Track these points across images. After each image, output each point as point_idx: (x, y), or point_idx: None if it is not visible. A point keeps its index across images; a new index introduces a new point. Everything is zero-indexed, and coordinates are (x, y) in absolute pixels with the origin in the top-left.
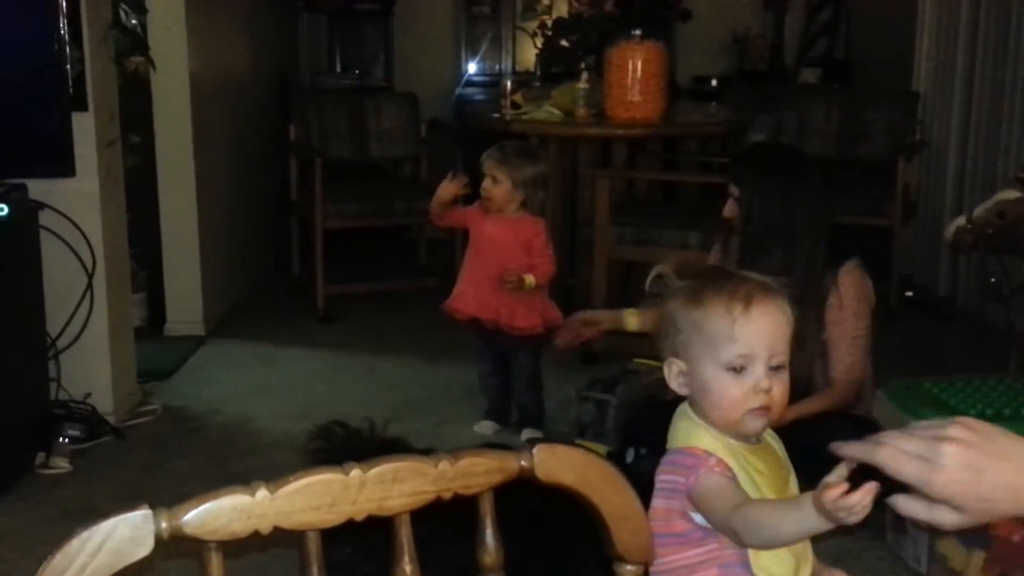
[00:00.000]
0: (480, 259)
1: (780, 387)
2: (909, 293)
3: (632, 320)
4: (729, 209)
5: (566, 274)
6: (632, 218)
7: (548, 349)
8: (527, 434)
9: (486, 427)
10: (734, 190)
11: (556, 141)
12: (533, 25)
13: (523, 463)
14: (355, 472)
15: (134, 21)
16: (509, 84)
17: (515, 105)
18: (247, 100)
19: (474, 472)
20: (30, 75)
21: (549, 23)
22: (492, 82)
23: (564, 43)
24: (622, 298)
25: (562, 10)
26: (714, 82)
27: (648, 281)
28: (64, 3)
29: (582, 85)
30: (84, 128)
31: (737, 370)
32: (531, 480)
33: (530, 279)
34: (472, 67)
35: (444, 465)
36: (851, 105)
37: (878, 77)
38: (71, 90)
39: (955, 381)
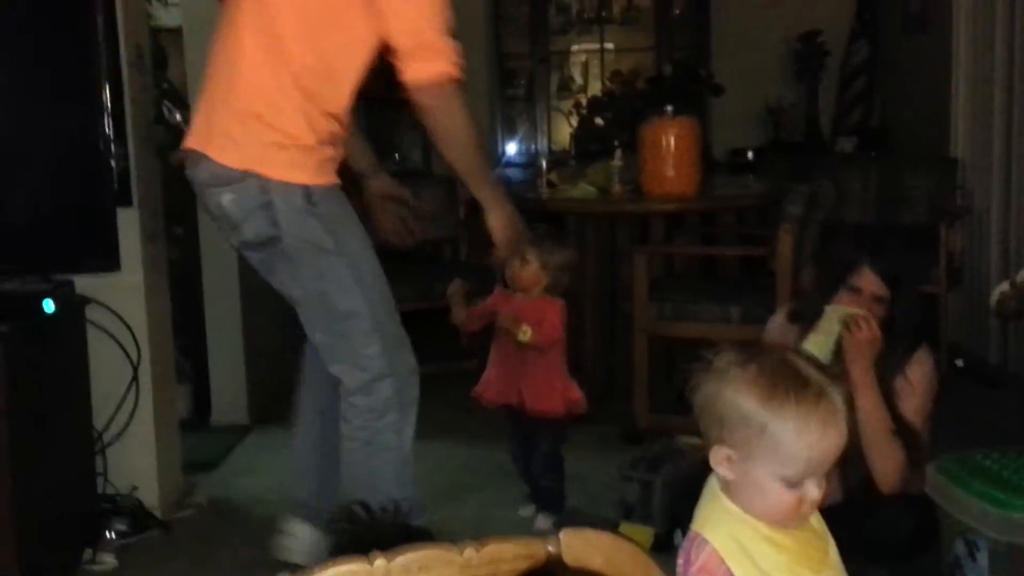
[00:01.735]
0: (500, 341)
1: (823, 487)
2: (959, 362)
3: (526, 335)
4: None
5: (607, 352)
6: (671, 293)
7: (576, 432)
8: (541, 521)
9: (531, 511)
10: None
11: (593, 218)
12: (568, 104)
13: (550, 548)
14: (379, 562)
15: (177, 116)
16: (545, 163)
17: (551, 184)
18: None
19: (501, 559)
20: (76, 173)
21: (583, 102)
22: (529, 162)
23: (598, 121)
24: (665, 375)
25: (595, 89)
26: (750, 154)
27: (711, 361)
28: (108, 101)
29: (616, 162)
30: (129, 223)
31: (793, 484)
32: (559, 566)
33: (526, 329)
34: (509, 148)
35: (470, 552)
36: (889, 172)
37: (915, 144)
38: (116, 186)
39: (1009, 453)
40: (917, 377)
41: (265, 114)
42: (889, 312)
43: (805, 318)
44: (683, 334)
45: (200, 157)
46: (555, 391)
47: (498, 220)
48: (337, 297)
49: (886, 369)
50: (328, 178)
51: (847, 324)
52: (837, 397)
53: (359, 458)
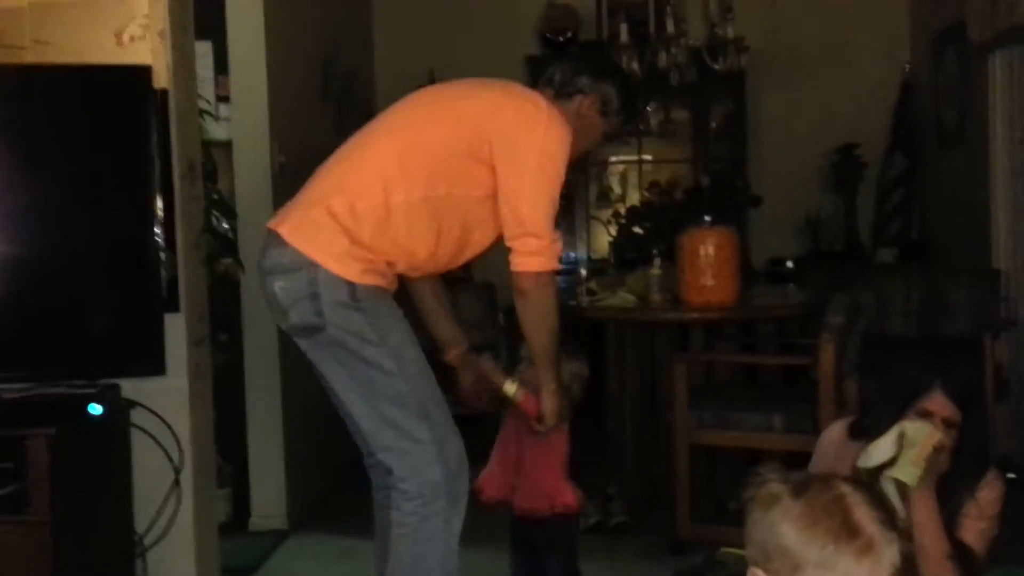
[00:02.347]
0: (504, 432)
1: None
2: (1011, 475)
3: (511, 389)
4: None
5: (648, 461)
6: (712, 401)
7: (617, 543)
8: None
9: None
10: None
11: (632, 326)
12: (607, 214)
13: None
14: None
15: (225, 225)
16: (584, 272)
17: (591, 292)
18: None
19: None
20: (126, 280)
21: (622, 211)
22: (568, 269)
23: (637, 230)
24: (707, 485)
25: (633, 199)
26: (789, 263)
27: (754, 490)
28: (160, 212)
29: (655, 271)
30: (175, 328)
31: None
32: None
33: (512, 386)
34: None
35: None
36: (931, 284)
37: (956, 255)
38: (164, 293)
39: None
40: (987, 502)
41: (347, 219)
42: (958, 434)
43: (868, 434)
44: (725, 443)
45: (269, 239)
46: (544, 490)
47: (550, 403)
48: (383, 384)
49: (949, 491)
50: (374, 280)
51: (935, 448)
52: (890, 552)
53: (406, 545)
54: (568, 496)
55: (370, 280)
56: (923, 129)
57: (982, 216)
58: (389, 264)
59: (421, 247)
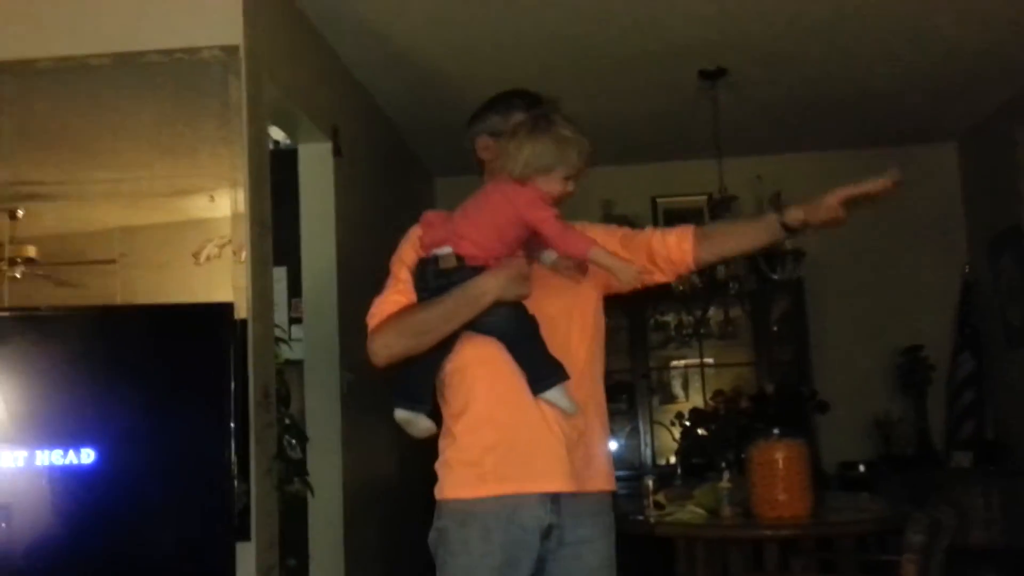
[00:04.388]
0: None
1: None
2: None
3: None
4: None
5: None
6: None
7: None
8: None
9: None
10: None
11: (703, 542)
12: (670, 416)
13: None
14: None
15: (295, 444)
16: (651, 483)
17: (658, 505)
18: (396, 508)
19: None
20: (199, 510)
21: (685, 413)
22: (633, 476)
23: (702, 432)
24: None
25: (696, 401)
26: (861, 467)
27: None
28: (235, 440)
29: (725, 484)
30: (245, 557)
31: None
32: None
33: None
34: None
35: None
36: (1010, 489)
37: None
38: (236, 522)
39: None
40: None
41: None
42: None
43: None
44: None
45: None
46: None
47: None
48: None
49: None
50: None
51: None
52: None
53: None
54: None
55: None
56: (989, 329)
57: None
58: None
59: None
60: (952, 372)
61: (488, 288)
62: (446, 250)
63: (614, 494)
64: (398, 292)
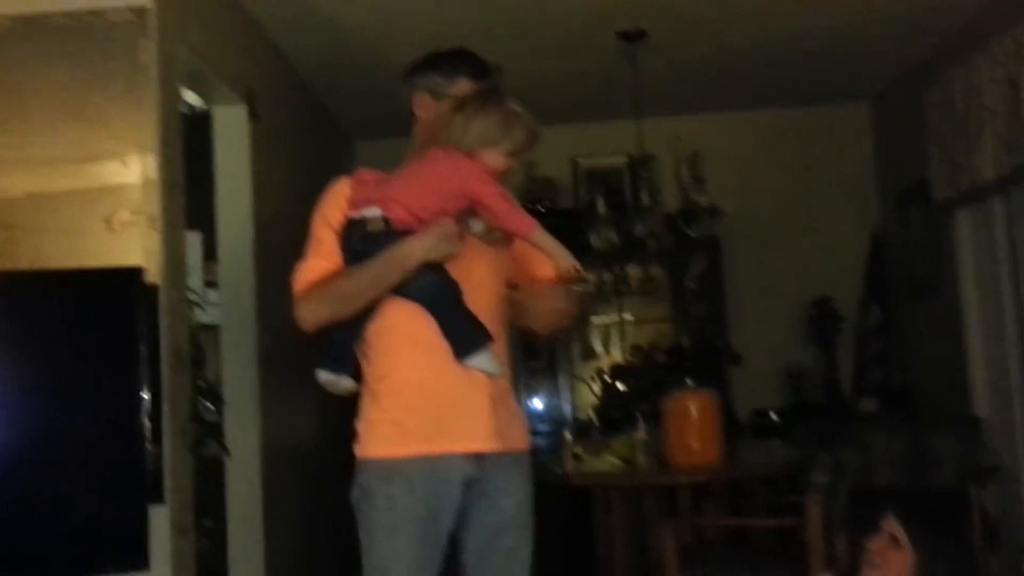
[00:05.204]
0: None
1: None
2: None
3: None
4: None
5: None
6: (702, 565)
7: None
8: None
9: None
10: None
11: (619, 491)
12: (589, 371)
13: None
14: None
15: (212, 408)
16: (569, 436)
17: (576, 457)
18: (315, 469)
19: None
20: (109, 472)
21: (605, 369)
22: (553, 431)
23: (620, 386)
24: None
25: (616, 357)
26: (773, 415)
27: None
28: (147, 403)
29: (640, 435)
30: (159, 519)
31: None
32: None
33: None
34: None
35: None
36: (914, 433)
37: (938, 403)
38: (149, 484)
39: None
40: None
41: None
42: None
43: None
44: None
45: None
46: None
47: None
48: None
49: None
50: None
51: None
52: None
53: None
54: None
55: None
56: (896, 281)
57: (959, 365)
58: None
59: None
60: (860, 323)
61: (413, 249)
62: (375, 212)
63: (534, 449)
64: (321, 256)
